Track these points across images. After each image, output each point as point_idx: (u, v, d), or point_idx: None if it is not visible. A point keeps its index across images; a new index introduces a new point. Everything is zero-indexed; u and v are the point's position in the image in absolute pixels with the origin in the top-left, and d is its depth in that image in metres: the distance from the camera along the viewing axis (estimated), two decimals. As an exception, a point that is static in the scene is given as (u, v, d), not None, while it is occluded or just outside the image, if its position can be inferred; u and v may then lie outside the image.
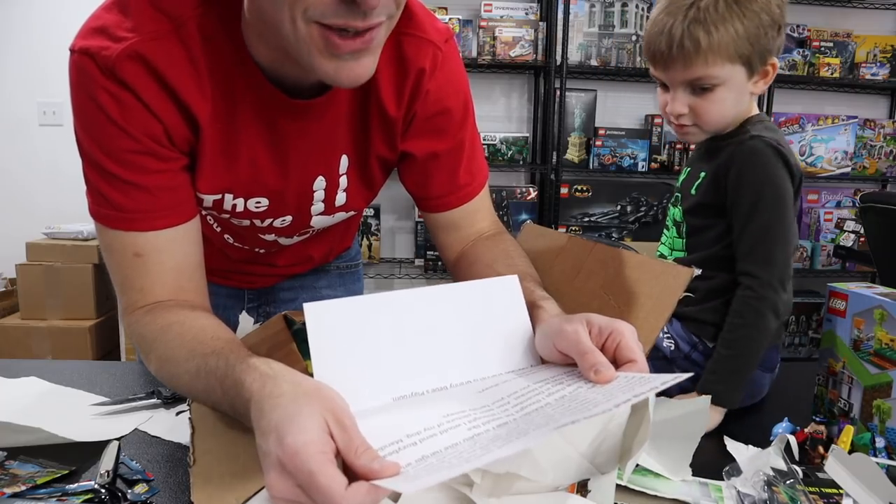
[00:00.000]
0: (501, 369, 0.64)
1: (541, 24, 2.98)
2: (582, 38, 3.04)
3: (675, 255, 1.06)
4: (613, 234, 3.13)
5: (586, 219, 3.12)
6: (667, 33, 0.93)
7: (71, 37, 0.68)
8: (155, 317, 0.70)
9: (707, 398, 0.69)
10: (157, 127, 0.69)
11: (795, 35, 3.12)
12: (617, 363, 0.57)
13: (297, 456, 0.45)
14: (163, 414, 0.89)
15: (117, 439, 0.79)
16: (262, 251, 0.98)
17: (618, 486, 0.62)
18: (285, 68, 0.71)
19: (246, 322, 1.15)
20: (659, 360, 1.00)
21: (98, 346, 2.91)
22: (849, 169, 3.19)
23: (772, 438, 0.79)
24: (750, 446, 0.80)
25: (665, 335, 1.01)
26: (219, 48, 0.69)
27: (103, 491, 0.66)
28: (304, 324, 0.58)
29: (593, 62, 3.05)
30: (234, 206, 0.81)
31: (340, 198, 0.86)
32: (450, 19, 2.91)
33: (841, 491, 0.68)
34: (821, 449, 0.77)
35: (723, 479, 0.71)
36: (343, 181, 0.84)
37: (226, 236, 0.93)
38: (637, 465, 0.67)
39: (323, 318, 0.58)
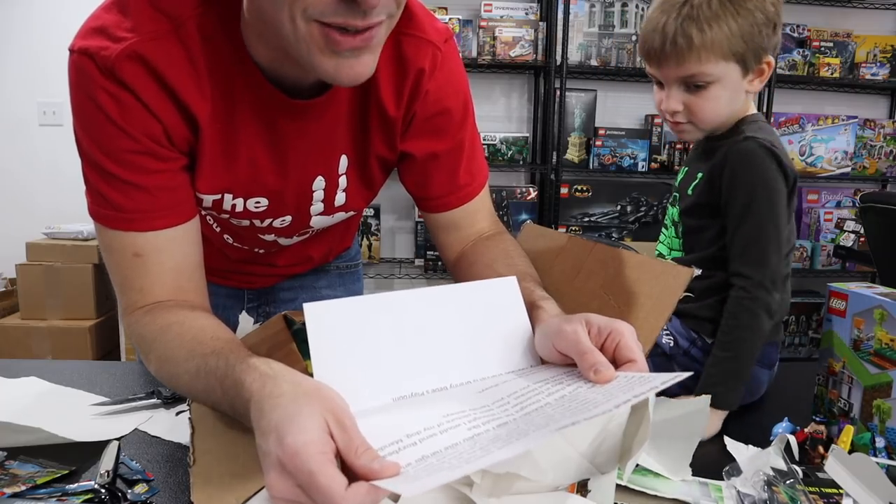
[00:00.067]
0: (501, 369, 0.64)
1: (541, 24, 2.97)
2: (582, 38, 3.04)
3: (674, 254, 1.06)
4: (613, 234, 3.13)
5: (586, 219, 3.12)
6: (660, 30, 0.94)
7: (71, 37, 0.68)
8: (154, 317, 0.70)
9: (707, 398, 0.68)
10: (157, 127, 0.69)
11: (795, 35, 3.12)
12: (616, 363, 0.57)
13: (297, 456, 0.45)
14: (163, 414, 0.89)
15: (117, 439, 0.79)
16: (261, 251, 0.98)
17: (618, 486, 0.62)
18: (285, 68, 0.70)
19: (246, 322, 1.15)
20: (658, 357, 1.00)
21: (98, 346, 2.91)
22: (849, 169, 3.19)
23: (772, 438, 0.79)
24: (750, 446, 0.80)
25: (664, 332, 1.01)
26: (218, 48, 0.69)
27: (103, 491, 0.66)
28: (304, 324, 0.58)
29: (593, 62, 3.05)
30: (234, 206, 0.81)
31: (340, 198, 0.86)
32: (450, 19, 2.91)
33: (841, 491, 0.68)
34: (821, 449, 0.77)
35: (723, 479, 0.71)
36: (342, 181, 0.84)
37: (225, 236, 0.93)
38: (637, 465, 0.67)
39: (323, 318, 0.58)
